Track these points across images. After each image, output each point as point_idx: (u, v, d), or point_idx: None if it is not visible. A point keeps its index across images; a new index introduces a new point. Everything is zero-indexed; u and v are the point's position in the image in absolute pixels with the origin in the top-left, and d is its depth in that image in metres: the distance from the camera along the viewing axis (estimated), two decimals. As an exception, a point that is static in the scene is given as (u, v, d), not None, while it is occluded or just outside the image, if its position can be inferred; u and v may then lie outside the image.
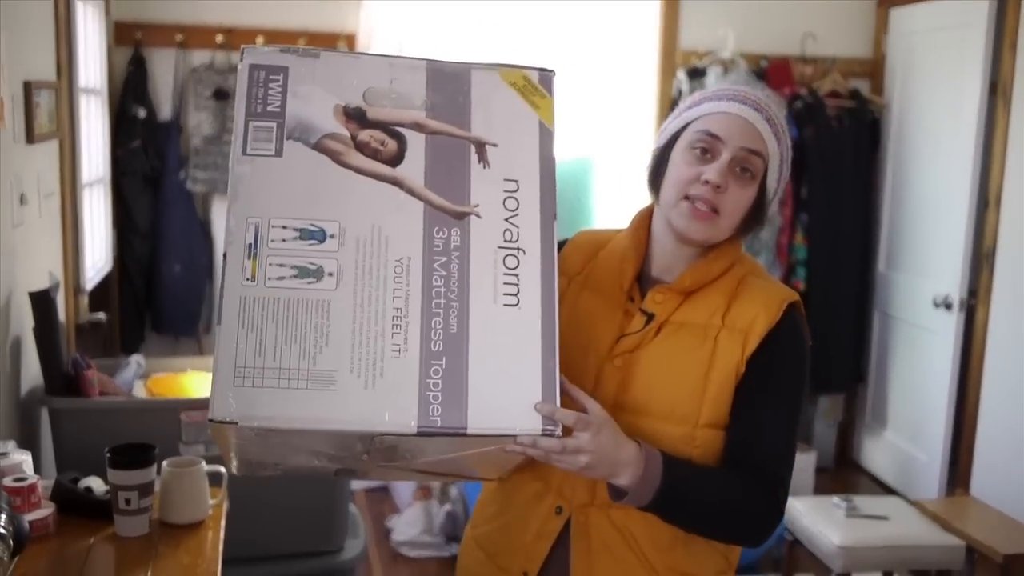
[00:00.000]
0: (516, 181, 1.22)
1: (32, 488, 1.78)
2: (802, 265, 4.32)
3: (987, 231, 3.82)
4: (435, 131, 1.21)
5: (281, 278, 1.14)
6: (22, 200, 2.40)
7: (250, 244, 1.14)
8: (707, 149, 1.36)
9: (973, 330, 3.89)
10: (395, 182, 1.18)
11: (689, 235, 1.37)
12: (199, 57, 3.96)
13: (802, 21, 4.38)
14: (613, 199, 4.39)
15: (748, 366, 1.35)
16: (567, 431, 1.19)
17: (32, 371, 2.46)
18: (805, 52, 4.39)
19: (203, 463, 1.89)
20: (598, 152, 4.41)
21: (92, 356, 2.62)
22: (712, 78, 4.16)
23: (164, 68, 3.95)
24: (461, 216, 1.19)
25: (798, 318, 1.40)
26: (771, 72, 4.32)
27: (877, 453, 4.60)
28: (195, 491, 1.86)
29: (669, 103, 4.29)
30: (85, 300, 3.18)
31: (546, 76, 1.28)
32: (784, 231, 4.29)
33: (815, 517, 3.17)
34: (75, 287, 3.08)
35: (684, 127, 1.40)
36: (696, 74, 4.23)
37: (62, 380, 2.40)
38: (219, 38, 3.94)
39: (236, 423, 1.10)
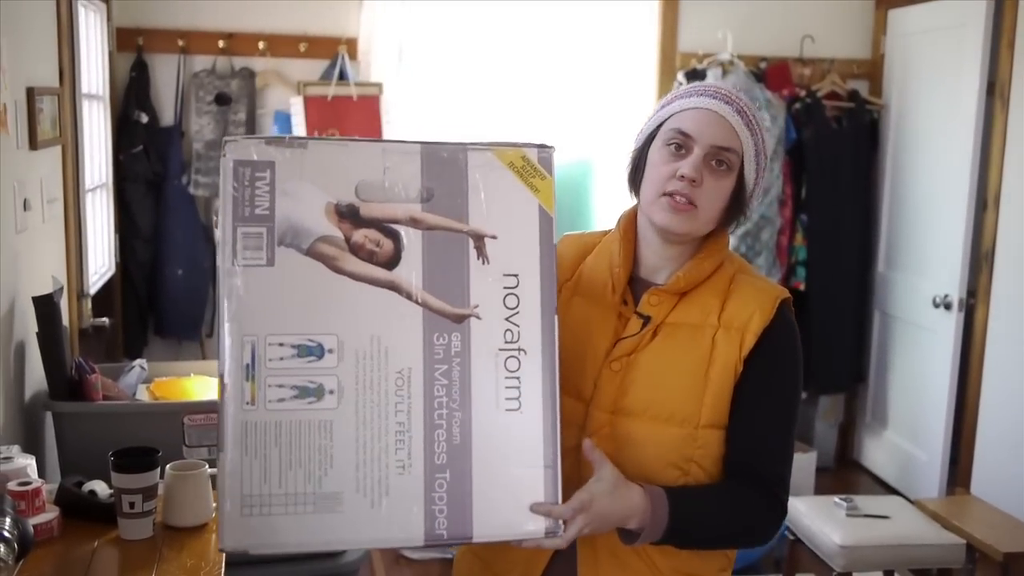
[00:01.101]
0: (516, 276, 1.18)
1: (36, 492, 1.79)
2: (802, 265, 4.32)
3: (985, 231, 3.83)
4: (432, 226, 1.17)
5: (281, 400, 1.12)
6: (25, 206, 2.42)
7: (247, 365, 1.12)
8: (681, 145, 1.38)
9: (972, 330, 3.90)
10: (392, 287, 1.15)
11: (670, 228, 1.39)
12: (200, 62, 3.98)
13: (800, 23, 4.40)
14: (613, 201, 4.41)
15: (746, 364, 1.38)
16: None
17: (36, 375, 2.48)
18: (804, 54, 4.40)
19: (207, 466, 1.91)
20: (598, 154, 4.42)
21: (95, 360, 2.63)
22: (711, 80, 4.17)
23: (166, 73, 3.97)
24: (461, 319, 1.16)
25: (790, 314, 1.43)
26: (770, 74, 4.34)
27: (878, 453, 4.61)
28: (199, 494, 1.88)
29: (668, 105, 4.30)
30: (88, 305, 3.20)
31: (546, 154, 1.23)
32: (784, 232, 4.30)
33: (816, 517, 3.18)
34: (78, 292, 3.10)
35: (659, 127, 1.43)
36: (695, 76, 4.24)
37: (66, 384, 2.41)
38: (220, 43, 3.96)
39: (247, 551, 1.12)
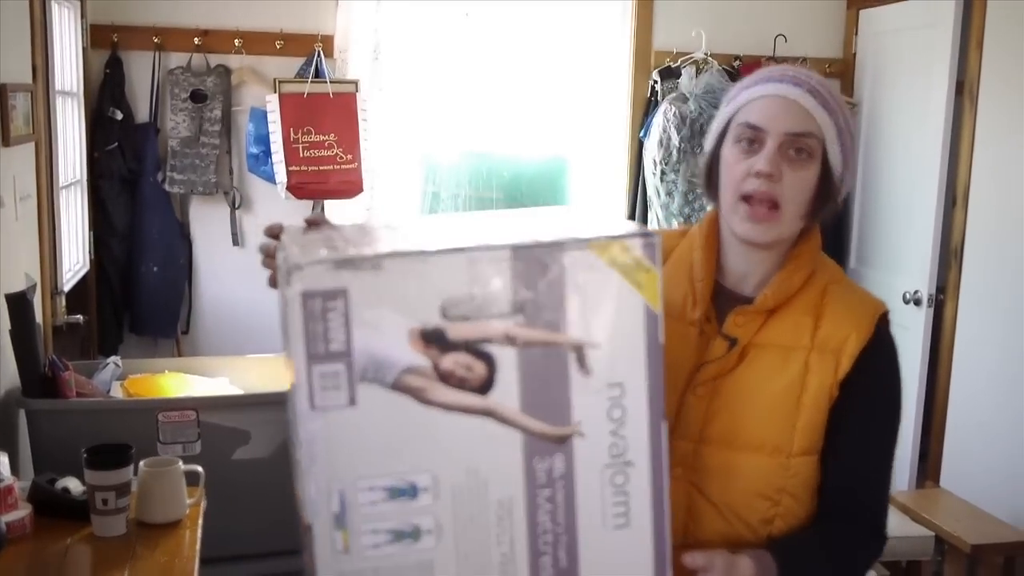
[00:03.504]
0: (621, 385, 1.07)
1: (9, 489, 1.79)
2: (775, 262, 4.35)
3: (955, 228, 3.88)
4: (528, 342, 1.04)
5: (376, 545, 1.03)
6: (-2, 204, 2.42)
7: (336, 514, 1.03)
8: (752, 140, 1.27)
9: (942, 325, 3.95)
10: (488, 413, 1.04)
11: (752, 239, 1.28)
12: (176, 59, 3.97)
13: (773, 22, 4.43)
14: (587, 199, 4.43)
15: (842, 389, 1.27)
16: None
17: (9, 373, 2.47)
18: (777, 52, 4.43)
19: (180, 463, 1.92)
20: (572, 152, 4.44)
21: (70, 358, 2.64)
22: (685, 78, 4.20)
23: (141, 70, 3.95)
24: (563, 440, 1.06)
25: (888, 332, 1.32)
26: (744, 72, 4.36)
27: (850, 447, 4.64)
28: (172, 491, 1.89)
29: (643, 103, 4.33)
30: (62, 302, 3.19)
31: (650, 244, 1.07)
32: (757, 229, 4.32)
33: (787, 511, 3.21)
34: (52, 289, 3.09)
35: (727, 124, 1.32)
36: (669, 74, 4.28)
37: (39, 382, 2.41)
38: (196, 40, 3.95)
39: None
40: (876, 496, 1.32)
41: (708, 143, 1.36)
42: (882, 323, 1.30)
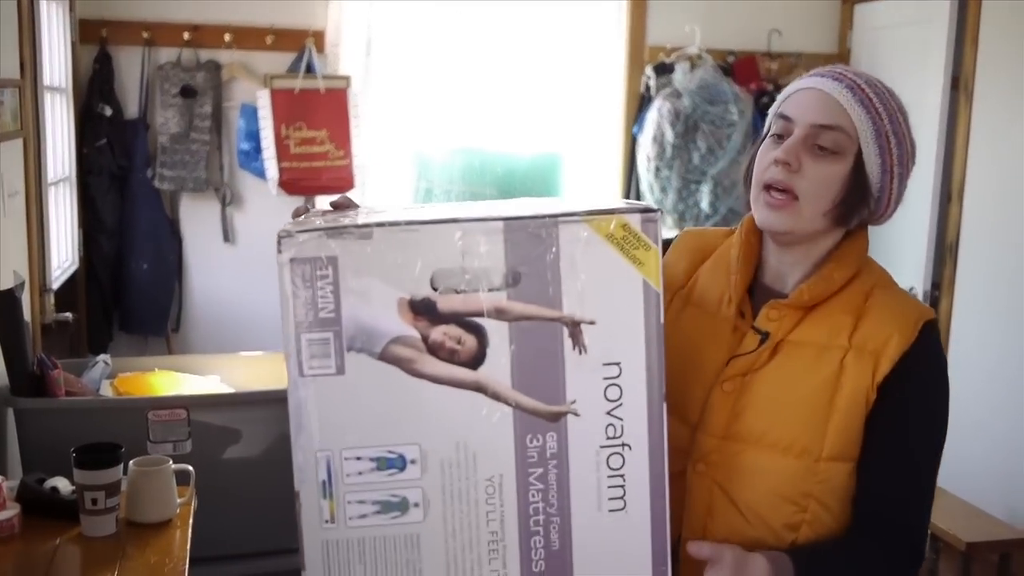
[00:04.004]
0: (618, 364, 1.04)
1: (-3, 489, 1.77)
2: (769, 259, 4.35)
3: (950, 224, 3.87)
4: (520, 316, 1.02)
5: (363, 516, 1.04)
6: (-15, 200, 2.39)
7: (324, 482, 1.03)
8: (781, 134, 1.24)
9: (937, 321, 3.94)
10: (478, 387, 1.03)
11: (769, 227, 1.25)
12: (165, 55, 3.94)
13: (768, 17, 4.42)
14: (581, 195, 4.42)
15: (880, 393, 1.20)
16: None
17: (-3, 372, 2.45)
18: (771, 48, 4.43)
19: (170, 462, 1.90)
20: (566, 147, 4.43)
21: (59, 356, 2.61)
22: (679, 74, 4.19)
23: (130, 66, 3.92)
24: (556, 417, 1.04)
25: (936, 338, 1.25)
26: (737, 68, 4.36)
27: (845, 444, 4.64)
28: (162, 490, 1.87)
29: (637, 99, 4.32)
30: (51, 299, 3.16)
31: (650, 220, 1.03)
32: (751, 225, 4.32)
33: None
34: (41, 286, 3.06)
35: (771, 121, 1.29)
36: (663, 70, 4.26)
37: (28, 380, 2.39)
38: (186, 35, 3.92)
39: None
40: (914, 513, 1.24)
41: (758, 142, 1.32)
42: (928, 328, 1.23)
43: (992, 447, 3.66)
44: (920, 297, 3.98)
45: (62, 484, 1.89)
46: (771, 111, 1.30)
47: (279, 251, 1.00)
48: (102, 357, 2.88)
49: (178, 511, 1.88)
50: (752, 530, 1.22)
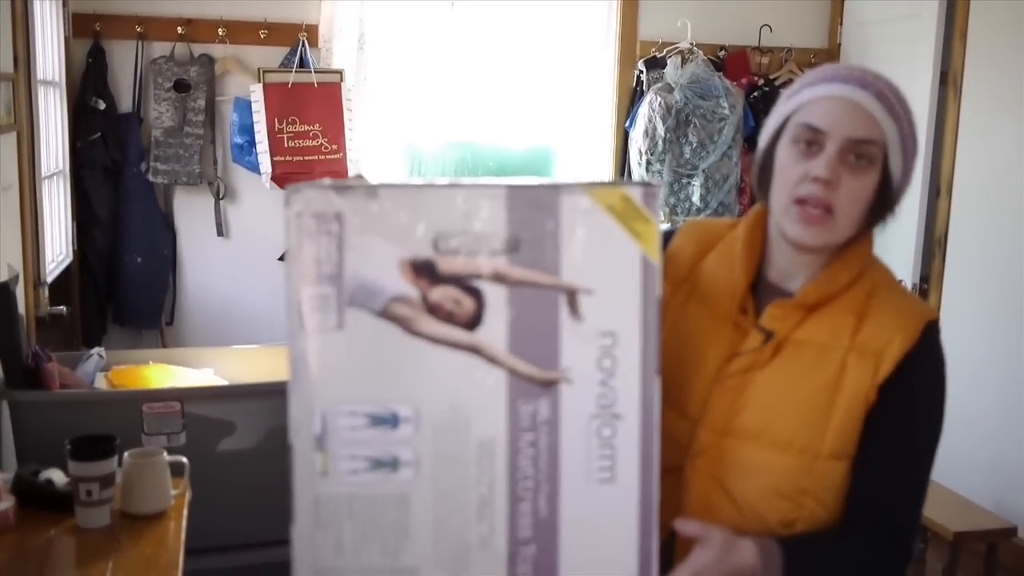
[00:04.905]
0: (613, 334, 1.05)
1: (-7, 481, 1.79)
2: (760, 253, 4.37)
3: (939, 219, 3.90)
4: (518, 281, 1.04)
5: (355, 471, 1.04)
6: (-20, 194, 2.40)
7: (317, 435, 1.04)
8: (811, 142, 1.21)
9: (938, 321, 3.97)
10: (474, 349, 1.04)
11: (803, 242, 1.23)
12: (159, 49, 3.94)
13: (758, 12, 4.44)
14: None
15: (880, 394, 1.21)
16: None
17: (-8, 365, 2.46)
18: (762, 43, 4.44)
19: (164, 453, 1.91)
20: (558, 141, 4.44)
21: (53, 349, 2.62)
22: (671, 68, 4.20)
23: (124, 60, 3.92)
24: (550, 384, 1.05)
25: (937, 340, 1.26)
26: (728, 62, 4.38)
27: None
28: (157, 481, 1.88)
29: (629, 93, 4.33)
30: (45, 293, 3.17)
31: (651, 194, 1.05)
32: (743, 219, 4.34)
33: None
34: (35, 280, 3.07)
35: (785, 121, 1.26)
36: (655, 64, 4.28)
37: (22, 373, 2.40)
38: (179, 29, 3.92)
39: None
40: (905, 510, 1.25)
41: (763, 139, 1.30)
42: (930, 330, 1.24)
43: (980, 439, 3.69)
44: (909, 291, 4.00)
45: (57, 476, 1.90)
46: (781, 112, 1.27)
47: (287, 205, 1.01)
48: (96, 350, 2.89)
49: (172, 503, 1.90)
50: (748, 525, 1.22)
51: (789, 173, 1.22)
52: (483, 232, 1.03)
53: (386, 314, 1.03)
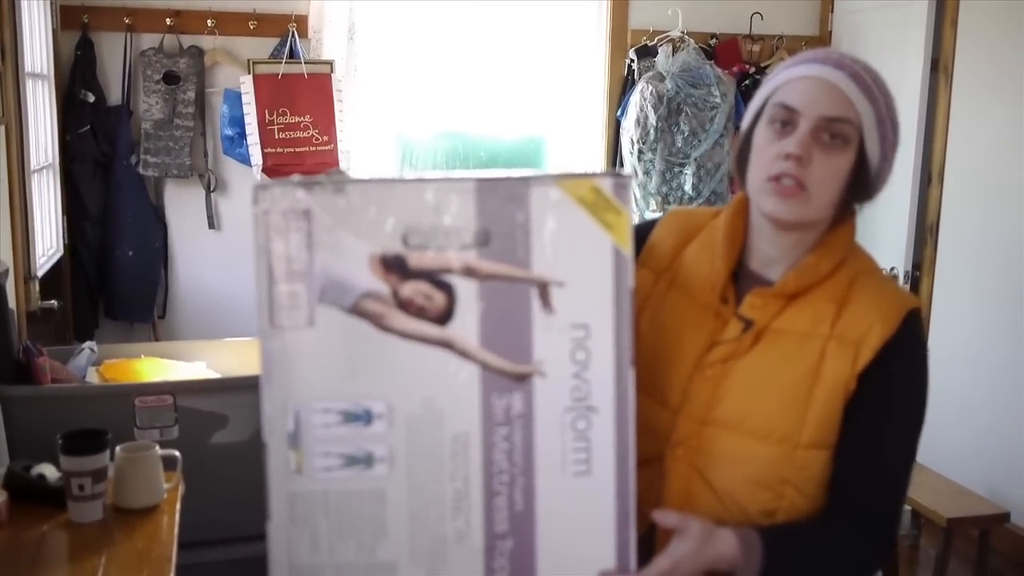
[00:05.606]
0: (586, 326, 1.04)
1: (-16, 476, 1.78)
2: (753, 241, 4.37)
3: (930, 205, 3.90)
4: (489, 275, 1.03)
5: (329, 468, 1.04)
6: (-32, 188, 2.39)
7: (291, 433, 1.04)
8: (786, 122, 1.21)
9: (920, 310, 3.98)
10: (446, 344, 1.04)
11: (779, 216, 1.22)
12: (148, 40, 3.92)
13: (749, 0, 4.43)
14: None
15: (860, 383, 1.20)
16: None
17: (-17, 360, 2.45)
18: (753, 31, 4.44)
19: (157, 447, 1.91)
20: (549, 131, 4.44)
21: (44, 343, 2.61)
22: (662, 57, 4.20)
23: (112, 52, 3.91)
24: (523, 377, 1.05)
25: (918, 328, 1.24)
26: (720, 51, 4.37)
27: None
28: (149, 475, 1.88)
29: (620, 82, 4.33)
30: (36, 287, 3.16)
31: (622, 184, 1.04)
32: (735, 208, 4.34)
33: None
34: (26, 274, 3.06)
35: (764, 104, 1.26)
36: (646, 53, 4.27)
37: (13, 368, 2.39)
38: (168, 21, 3.90)
39: None
40: (886, 499, 1.24)
41: (744, 123, 1.30)
42: (911, 318, 1.22)
43: (973, 425, 3.71)
44: (901, 278, 4.01)
45: (49, 471, 1.90)
46: (761, 95, 1.28)
47: (254, 202, 1.01)
48: (88, 344, 2.88)
49: (165, 496, 1.89)
50: (728, 515, 1.22)
51: (765, 152, 1.23)
52: (453, 226, 1.03)
53: (357, 310, 1.03)
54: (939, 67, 3.85)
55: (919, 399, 1.24)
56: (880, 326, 1.20)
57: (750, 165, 1.26)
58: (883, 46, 4.15)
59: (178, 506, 1.88)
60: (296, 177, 1.03)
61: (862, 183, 1.24)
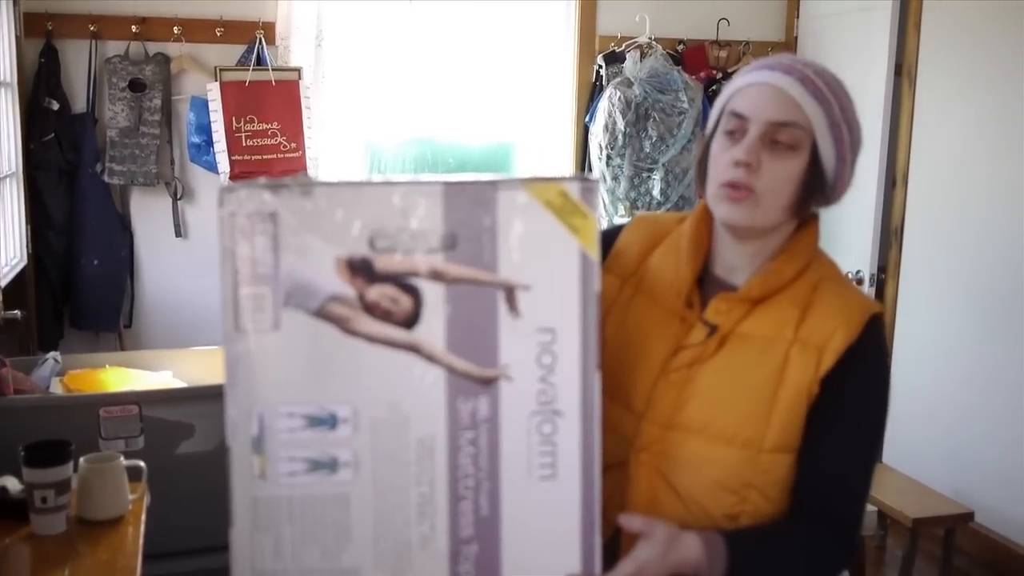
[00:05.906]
0: (552, 330, 1.04)
1: (-56, 490, 1.76)
2: (721, 245, 4.40)
3: (895, 209, 3.95)
4: (456, 278, 1.03)
5: (293, 473, 1.03)
6: (-72, 198, 2.36)
7: (255, 437, 1.03)
8: (737, 130, 1.23)
9: (883, 304, 4.02)
10: (412, 348, 1.03)
11: (731, 222, 1.24)
12: (113, 48, 3.89)
13: (716, 6, 4.46)
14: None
15: (822, 387, 1.21)
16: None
17: (-56, 371, 2.42)
18: (720, 36, 4.47)
19: (121, 458, 1.89)
20: (518, 137, 4.44)
21: (8, 354, 2.59)
22: (630, 63, 4.22)
23: (77, 59, 3.87)
24: (489, 381, 1.04)
25: (880, 333, 1.26)
26: (687, 56, 4.40)
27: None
28: (114, 487, 1.86)
29: (588, 88, 4.34)
30: (-1, 297, 3.13)
31: (589, 188, 1.04)
32: (703, 212, 4.37)
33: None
34: (-12, 284, 3.03)
35: (721, 113, 1.28)
36: (614, 59, 4.29)
37: (-25, 380, 2.37)
38: (134, 28, 3.87)
39: None
40: (848, 502, 1.25)
41: (706, 132, 1.31)
42: (873, 323, 1.24)
43: (938, 426, 3.75)
44: (867, 281, 4.05)
45: (11, 483, 1.88)
46: (718, 104, 1.29)
47: (220, 205, 1.00)
48: (52, 354, 2.86)
49: (130, 507, 1.88)
50: (693, 519, 1.23)
51: (719, 160, 1.24)
52: (420, 229, 1.02)
53: (323, 314, 1.02)
54: (903, 71, 3.89)
55: (881, 403, 1.25)
56: (843, 331, 1.21)
57: (708, 174, 1.27)
58: (847, 51, 4.20)
59: (143, 517, 1.87)
60: (263, 180, 1.02)
61: (817, 186, 1.24)
